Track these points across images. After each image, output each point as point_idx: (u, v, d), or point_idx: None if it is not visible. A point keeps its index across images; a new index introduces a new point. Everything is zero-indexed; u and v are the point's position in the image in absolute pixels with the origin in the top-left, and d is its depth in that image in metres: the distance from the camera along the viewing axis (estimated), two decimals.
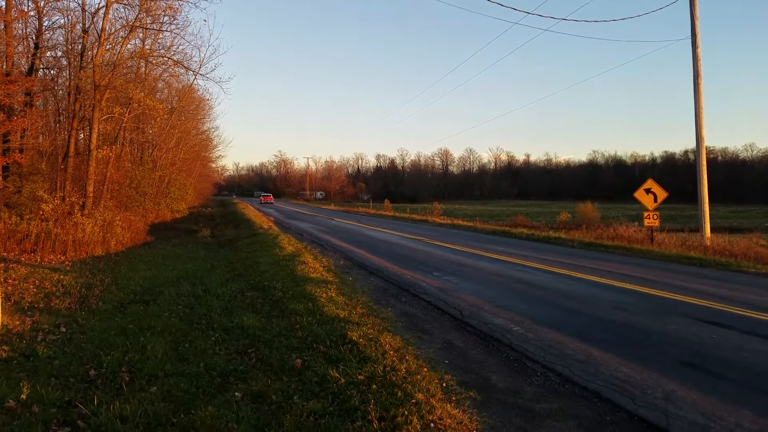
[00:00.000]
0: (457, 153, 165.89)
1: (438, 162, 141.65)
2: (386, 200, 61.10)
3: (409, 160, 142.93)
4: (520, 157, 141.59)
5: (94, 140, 16.13)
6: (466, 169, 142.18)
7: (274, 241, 15.34)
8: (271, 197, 75.04)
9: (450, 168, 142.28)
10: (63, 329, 6.06)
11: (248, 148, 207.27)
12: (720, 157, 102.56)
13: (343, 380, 4.20)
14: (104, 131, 19.34)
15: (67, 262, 11.39)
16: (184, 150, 35.65)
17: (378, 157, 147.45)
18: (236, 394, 4.07)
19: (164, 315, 6.63)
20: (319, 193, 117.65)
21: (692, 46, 16.26)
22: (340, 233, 21.17)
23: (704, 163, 16.18)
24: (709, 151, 16.19)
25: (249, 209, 43.74)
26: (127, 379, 4.45)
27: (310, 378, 4.33)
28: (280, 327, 5.88)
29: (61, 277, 9.33)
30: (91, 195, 16.11)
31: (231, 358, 4.95)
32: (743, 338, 5.79)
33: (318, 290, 7.80)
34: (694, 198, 16.69)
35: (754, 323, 6.43)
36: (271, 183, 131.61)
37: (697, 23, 16.23)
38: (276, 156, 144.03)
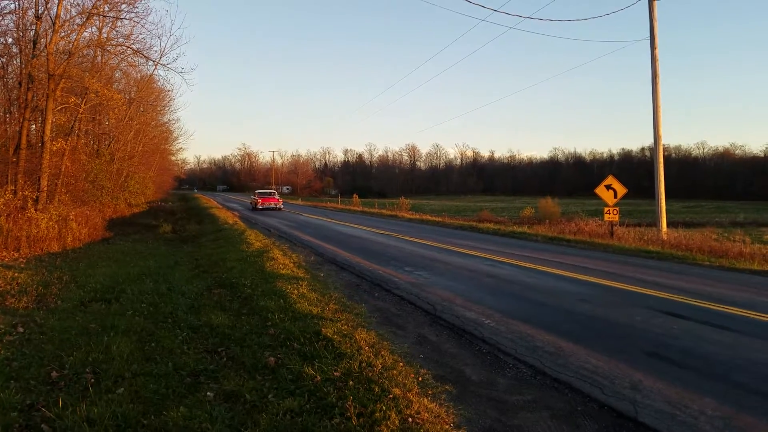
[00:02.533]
0: (424, 149, 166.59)
1: (406, 157, 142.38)
2: (355, 195, 60.75)
3: (377, 155, 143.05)
4: (485, 154, 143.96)
5: (47, 132, 15.40)
6: (433, 164, 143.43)
7: (241, 236, 15.06)
8: (277, 198, 37.32)
9: (417, 163, 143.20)
10: (20, 329, 5.77)
11: (211, 141, 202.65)
12: (674, 155, 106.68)
13: (319, 377, 4.16)
14: (59, 122, 18.48)
15: (21, 259, 10.88)
16: (144, 142, 34.50)
17: (346, 151, 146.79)
18: (208, 394, 3.97)
19: (127, 314, 6.41)
20: (285, 188, 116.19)
21: (650, 47, 16.79)
22: (309, 229, 20.98)
23: (661, 160, 16.78)
24: (664, 149, 16.96)
25: (212, 204, 42.86)
26: (92, 380, 4.27)
27: (285, 376, 4.27)
28: (251, 325, 5.77)
29: (16, 274, 8.90)
30: (45, 189, 15.40)
31: (200, 358, 4.82)
32: (702, 328, 6.04)
33: (289, 287, 7.70)
34: (649, 194, 17.31)
35: (711, 314, 6.72)
36: (234, 177, 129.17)
37: (656, 25, 16.76)
38: (240, 149, 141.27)
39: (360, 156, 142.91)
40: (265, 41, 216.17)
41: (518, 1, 21.27)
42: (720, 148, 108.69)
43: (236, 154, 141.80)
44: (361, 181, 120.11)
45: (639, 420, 3.75)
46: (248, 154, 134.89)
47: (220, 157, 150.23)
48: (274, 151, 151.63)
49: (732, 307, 7.07)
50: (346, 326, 5.74)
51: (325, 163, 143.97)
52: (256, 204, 35.71)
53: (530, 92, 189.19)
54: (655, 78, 16.71)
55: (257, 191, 40.10)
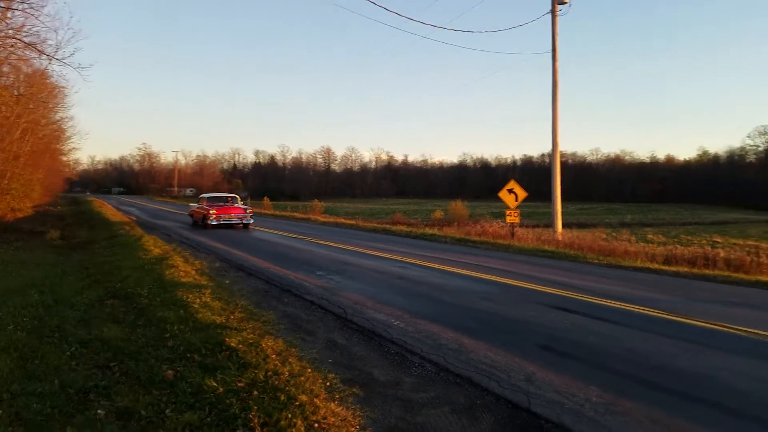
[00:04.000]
0: (339, 151, 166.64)
1: (320, 160, 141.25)
2: (265, 198, 59.22)
3: (290, 157, 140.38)
4: (400, 158, 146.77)
5: None
6: (348, 167, 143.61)
7: (138, 243, 14.13)
8: (242, 208, 23.26)
9: (332, 166, 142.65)
10: None
11: (108, 141, 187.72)
12: (570, 161, 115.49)
13: (221, 389, 4.02)
14: None
15: None
16: (32, 142, 31.17)
17: (257, 152, 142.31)
18: (99, 411, 3.70)
19: (8, 328, 5.79)
20: (189, 190, 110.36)
21: (552, 59, 18.11)
22: (214, 233, 20.13)
23: (558, 165, 18.12)
24: (562, 155, 18.35)
25: (106, 208, 39.84)
26: None
27: (184, 389, 4.07)
28: (147, 337, 5.44)
29: None
30: None
31: (91, 374, 4.47)
32: (589, 322, 6.59)
33: (190, 296, 7.34)
34: (548, 197, 18.63)
35: (597, 308, 7.35)
36: (132, 179, 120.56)
37: (557, 39, 18.12)
38: (140, 149, 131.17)
39: (272, 157, 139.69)
40: (171, 36, 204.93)
41: (432, 12, 22.00)
42: (612, 155, 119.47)
43: (135, 154, 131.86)
44: (273, 183, 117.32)
45: (532, 410, 4.02)
46: (149, 155, 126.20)
47: (117, 158, 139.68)
48: (177, 152, 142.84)
49: (615, 301, 7.79)
50: (252, 335, 5.59)
51: (234, 165, 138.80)
52: (206, 217, 21.70)
53: (443, 99, 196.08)
54: (555, 88, 18.01)
55: (204, 196, 24.32)
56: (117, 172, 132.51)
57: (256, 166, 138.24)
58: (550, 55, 18.19)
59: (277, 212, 40.17)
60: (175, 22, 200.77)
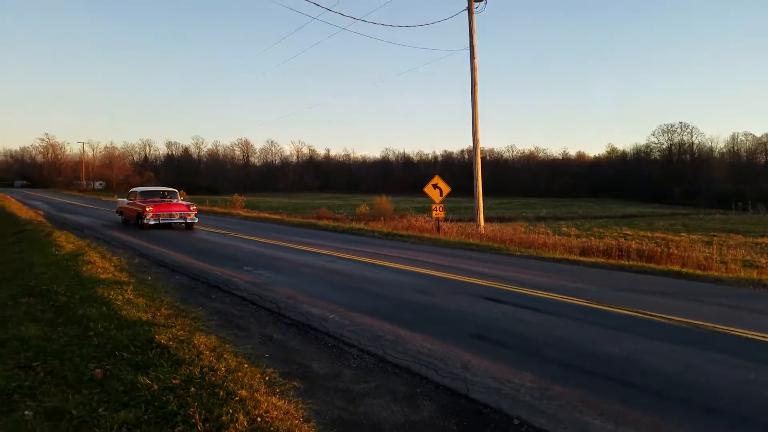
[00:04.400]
0: (258, 144, 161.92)
1: (238, 152, 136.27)
2: (182, 191, 56.55)
3: (205, 149, 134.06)
4: (321, 151, 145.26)
5: None
6: (269, 161, 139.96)
7: (48, 238, 13.00)
8: (185, 205, 19.68)
9: (252, 159, 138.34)
10: None
11: (8, 130, 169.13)
12: (488, 157, 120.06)
13: (156, 386, 3.83)
14: None
15: None
16: None
17: (169, 144, 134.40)
18: (27, 413, 3.42)
19: None
20: (98, 183, 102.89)
21: (470, 56, 18.52)
22: (130, 228, 18.97)
23: (479, 161, 18.83)
24: (480, 152, 19.25)
25: (10, 202, 36.24)
26: None
27: (116, 387, 3.85)
28: (70, 335, 5.06)
29: None
30: None
31: (12, 375, 4.11)
32: (518, 312, 6.94)
33: (112, 293, 6.89)
34: (468, 192, 19.33)
35: (525, 298, 7.75)
36: (36, 171, 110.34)
37: (474, 36, 18.48)
38: (42, 140, 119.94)
39: (186, 149, 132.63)
40: (72, 21, 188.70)
41: (352, 3, 22.00)
42: (527, 151, 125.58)
43: (38, 145, 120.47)
44: (189, 176, 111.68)
45: (470, 396, 4.19)
46: (52, 146, 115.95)
47: (17, 149, 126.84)
48: (84, 143, 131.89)
49: (540, 291, 8.23)
50: (182, 332, 5.37)
51: (146, 157, 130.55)
52: (141, 216, 18.50)
53: (365, 93, 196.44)
54: (474, 86, 18.53)
55: (137, 190, 20.98)
56: (19, 165, 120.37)
57: (169, 158, 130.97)
58: (468, 52, 18.66)
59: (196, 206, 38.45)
60: (78, 7, 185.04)
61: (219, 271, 9.87)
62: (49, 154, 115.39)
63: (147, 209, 18.30)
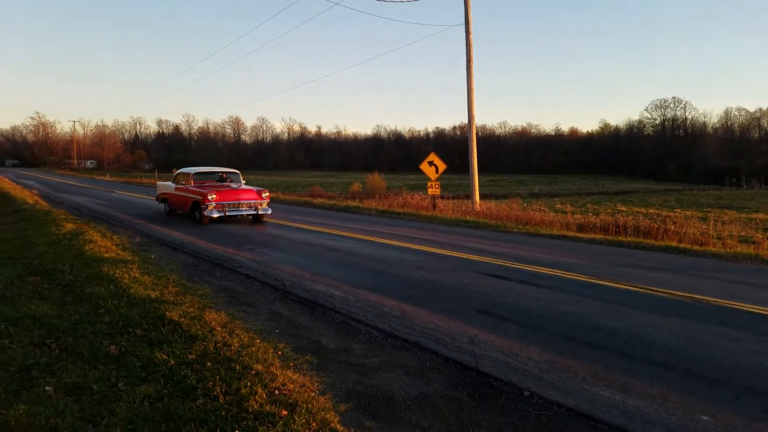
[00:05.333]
0: (249, 122, 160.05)
1: (229, 130, 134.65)
2: (174, 170, 56.04)
3: (196, 127, 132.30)
4: (313, 129, 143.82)
5: None
6: (260, 138, 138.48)
7: (47, 217, 12.95)
8: (253, 190, 14.50)
9: (242, 137, 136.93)
10: None
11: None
12: (480, 133, 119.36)
13: (173, 361, 3.90)
14: None
15: None
16: None
17: (160, 122, 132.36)
18: (47, 388, 3.48)
19: None
20: (89, 162, 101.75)
21: (465, 32, 18.27)
22: (128, 207, 18.91)
23: (474, 138, 18.75)
24: None
25: (4, 181, 35.86)
26: None
27: (133, 363, 3.90)
28: (80, 313, 5.09)
29: None
30: None
31: (28, 351, 4.15)
32: (520, 287, 7.02)
33: (117, 271, 6.92)
34: (460, 169, 19.33)
35: (526, 274, 7.85)
36: (27, 150, 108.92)
37: (470, 11, 18.26)
38: (33, 119, 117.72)
39: (177, 127, 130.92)
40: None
41: None
42: (519, 128, 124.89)
43: (29, 124, 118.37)
44: (180, 154, 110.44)
45: (480, 369, 4.28)
46: (43, 124, 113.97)
47: (9, 128, 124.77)
48: (74, 121, 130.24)
49: (541, 267, 8.34)
50: (192, 308, 5.42)
51: (136, 135, 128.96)
52: (199, 205, 13.91)
53: (355, 70, 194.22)
54: (470, 62, 18.33)
55: (188, 171, 15.63)
56: (10, 144, 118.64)
57: (160, 137, 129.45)
58: (463, 27, 18.41)
59: None
60: None
61: (221, 249, 9.89)
62: (40, 133, 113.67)
63: (209, 197, 13.62)
